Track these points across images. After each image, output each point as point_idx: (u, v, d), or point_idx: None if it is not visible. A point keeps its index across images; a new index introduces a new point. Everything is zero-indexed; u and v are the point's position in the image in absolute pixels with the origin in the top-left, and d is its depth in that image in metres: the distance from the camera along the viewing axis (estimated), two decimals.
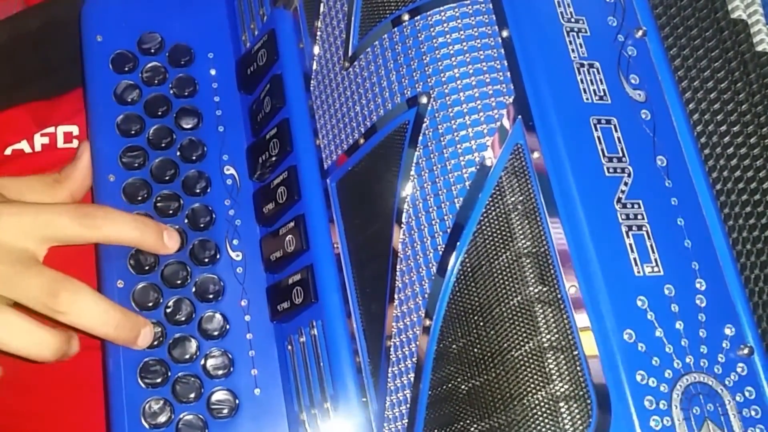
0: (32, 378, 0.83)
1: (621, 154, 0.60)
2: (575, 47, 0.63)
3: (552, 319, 0.58)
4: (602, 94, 0.62)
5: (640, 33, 0.65)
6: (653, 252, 0.59)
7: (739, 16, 0.70)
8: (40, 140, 0.89)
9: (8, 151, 0.89)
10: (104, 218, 0.73)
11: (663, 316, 0.57)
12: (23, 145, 0.89)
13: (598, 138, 0.60)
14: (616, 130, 0.61)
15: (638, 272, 0.58)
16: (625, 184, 0.60)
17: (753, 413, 0.57)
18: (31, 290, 0.69)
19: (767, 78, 0.69)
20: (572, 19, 0.63)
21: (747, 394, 0.57)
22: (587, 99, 0.61)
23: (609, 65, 0.63)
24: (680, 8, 0.68)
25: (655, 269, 0.58)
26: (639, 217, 0.59)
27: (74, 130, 0.90)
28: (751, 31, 0.71)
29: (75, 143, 0.90)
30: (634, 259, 0.58)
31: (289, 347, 0.74)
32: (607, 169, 0.60)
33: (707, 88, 0.67)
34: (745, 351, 0.58)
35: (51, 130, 0.89)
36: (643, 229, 0.59)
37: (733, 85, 0.68)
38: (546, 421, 0.57)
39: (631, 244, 0.58)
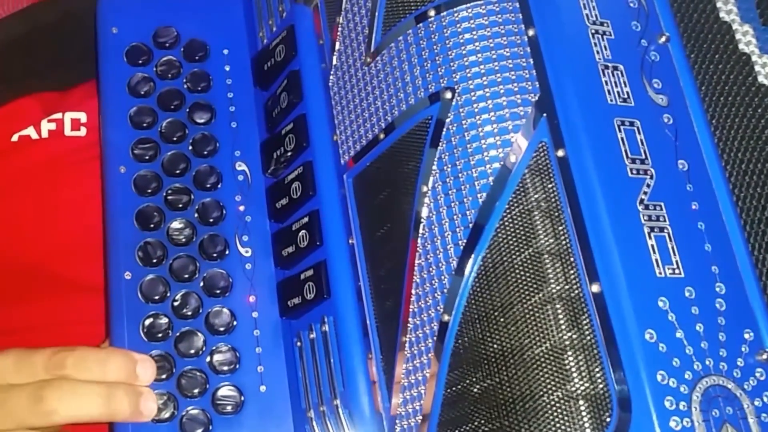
0: None
1: (644, 156, 0.61)
2: (600, 49, 0.63)
3: (573, 318, 0.57)
4: (626, 96, 0.62)
5: (663, 39, 0.65)
6: (674, 254, 0.59)
7: (723, 18, 0.71)
8: (47, 126, 0.88)
9: (15, 138, 0.88)
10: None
11: (683, 318, 0.57)
12: (30, 131, 0.88)
13: (622, 139, 0.60)
14: (639, 133, 0.61)
15: (660, 273, 0.58)
16: (648, 185, 0.60)
17: None
18: (19, 408, 0.66)
19: (748, 77, 0.70)
20: (597, 22, 0.64)
21: (766, 399, 0.57)
22: (611, 100, 0.61)
23: (633, 69, 0.63)
24: (691, 13, 0.69)
25: (677, 271, 0.58)
26: (661, 218, 0.59)
27: (82, 116, 0.89)
28: (733, 31, 0.71)
29: (83, 130, 0.89)
30: (656, 260, 0.58)
31: (298, 343, 0.73)
32: (631, 170, 0.60)
33: (720, 93, 0.67)
34: (764, 356, 0.58)
35: (58, 116, 0.89)
36: (665, 231, 0.59)
37: (738, 90, 0.68)
38: (565, 419, 0.56)
39: (653, 245, 0.58)
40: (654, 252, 0.58)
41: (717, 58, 0.68)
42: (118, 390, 0.68)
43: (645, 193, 0.60)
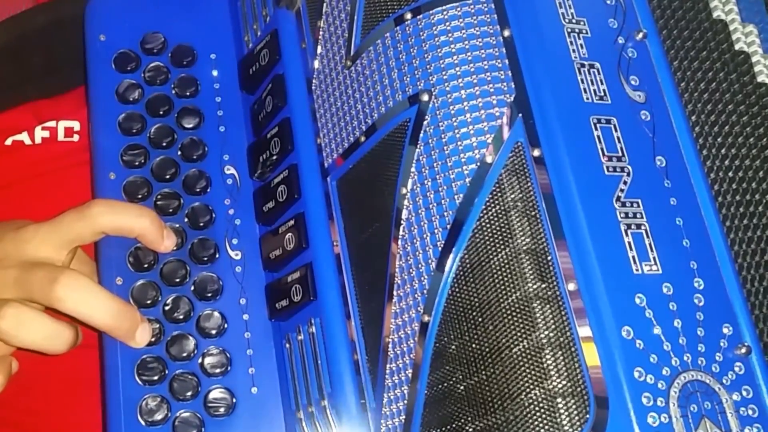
0: (31, 375, 0.83)
1: (620, 154, 0.61)
2: (576, 48, 0.63)
3: (550, 316, 0.58)
4: (602, 94, 0.62)
5: (640, 35, 0.65)
6: (652, 251, 0.59)
7: (719, 16, 0.71)
8: (40, 133, 0.90)
9: (8, 142, 0.89)
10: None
11: (661, 314, 0.57)
12: (23, 137, 0.89)
13: (598, 137, 0.61)
14: (616, 130, 0.61)
15: (637, 270, 0.58)
16: (625, 183, 0.60)
17: (750, 412, 0.57)
18: (34, 283, 0.70)
19: (746, 76, 0.70)
20: (573, 20, 0.64)
21: (744, 393, 0.58)
22: (587, 99, 0.62)
23: (609, 66, 0.63)
24: (674, 11, 0.69)
25: (654, 268, 0.58)
26: (638, 215, 0.59)
27: (75, 125, 0.90)
28: (730, 30, 0.71)
29: (76, 138, 0.90)
30: (633, 257, 0.58)
31: (287, 345, 0.74)
32: (607, 167, 0.60)
33: (704, 90, 0.67)
34: (743, 350, 0.58)
35: (52, 124, 0.90)
36: (642, 227, 0.59)
37: (728, 87, 0.68)
38: (544, 417, 0.57)
39: (629, 243, 0.58)
40: (631, 249, 0.58)
41: (704, 55, 0.69)
42: (128, 309, 0.72)
43: (622, 190, 0.60)
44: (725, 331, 0.59)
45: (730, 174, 0.65)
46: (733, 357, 0.58)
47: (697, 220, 0.61)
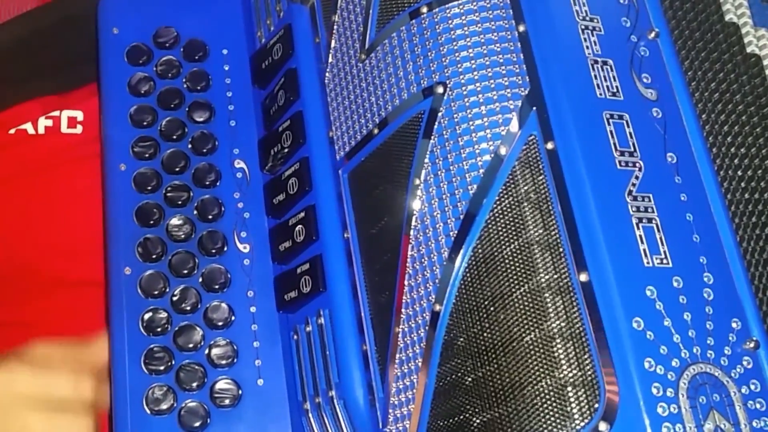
0: None
1: (632, 149, 0.61)
2: (589, 44, 0.64)
3: (562, 307, 0.58)
4: (615, 90, 0.63)
5: (652, 34, 0.66)
6: (662, 244, 0.59)
7: (731, 19, 0.72)
8: (44, 123, 0.90)
9: (12, 131, 0.89)
10: None
11: (671, 307, 0.58)
12: (27, 126, 0.90)
13: (611, 132, 0.61)
14: (628, 126, 0.62)
15: (648, 263, 0.59)
16: (636, 177, 0.61)
17: (758, 406, 0.58)
18: None
19: (757, 78, 0.71)
20: (587, 18, 0.65)
21: (752, 387, 0.58)
22: (600, 94, 0.62)
23: (622, 63, 0.64)
24: (686, 12, 0.70)
25: (664, 261, 0.59)
26: (649, 210, 0.60)
27: (79, 115, 0.91)
28: (741, 33, 0.72)
29: (79, 129, 0.90)
30: (644, 250, 0.59)
31: (295, 337, 0.74)
32: (619, 162, 0.61)
33: (714, 90, 0.68)
34: (751, 345, 0.59)
35: (56, 113, 0.90)
36: (653, 222, 0.60)
37: (739, 88, 0.69)
38: (553, 406, 0.57)
39: (641, 236, 0.59)
40: (642, 242, 0.59)
41: (715, 56, 0.69)
42: None
43: (633, 184, 0.60)
44: (734, 325, 0.59)
45: (740, 172, 0.66)
46: (741, 351, 0.59)
47: (706, 216, 0.62)
